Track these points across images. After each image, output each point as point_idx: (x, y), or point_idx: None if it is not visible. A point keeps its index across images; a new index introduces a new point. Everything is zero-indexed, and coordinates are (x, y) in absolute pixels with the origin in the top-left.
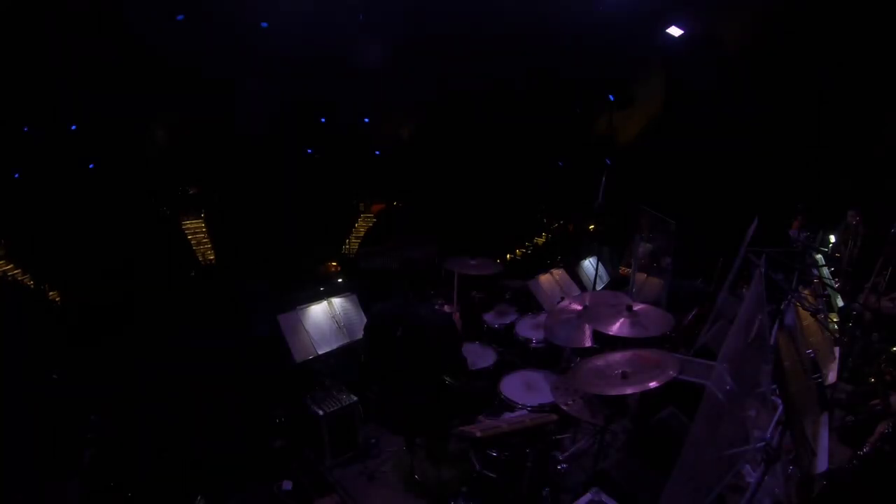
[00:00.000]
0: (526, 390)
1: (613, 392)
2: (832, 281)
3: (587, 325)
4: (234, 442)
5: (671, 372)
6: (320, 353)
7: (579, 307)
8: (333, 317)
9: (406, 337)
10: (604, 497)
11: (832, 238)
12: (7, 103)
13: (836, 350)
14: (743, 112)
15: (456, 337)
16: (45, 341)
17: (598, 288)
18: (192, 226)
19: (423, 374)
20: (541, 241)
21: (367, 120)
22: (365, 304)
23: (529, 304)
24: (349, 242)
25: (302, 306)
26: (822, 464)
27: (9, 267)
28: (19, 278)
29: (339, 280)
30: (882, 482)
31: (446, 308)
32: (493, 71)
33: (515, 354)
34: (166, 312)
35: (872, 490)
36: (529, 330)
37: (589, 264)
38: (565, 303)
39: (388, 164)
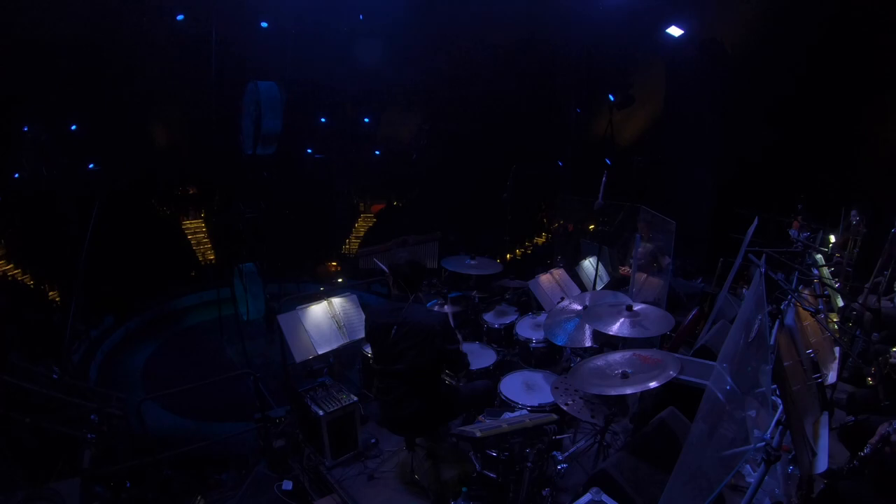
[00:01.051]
0: (526, 390)
1: (613, 392)
2: (832, 281)
3: (587, 325)
4: (234, 442)
5: (671, 372)
6: (320, 352)
7: (579, 307)
8: (333, 317)
9: (401, 338)
10: (604, 497)
11: (832, 238)
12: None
13: (836, 350)
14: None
15: (453, 337)
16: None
17: (598, 288)
18: (192, 226)
19: (421, 375)
20: (541, 241)
21: (367, 120)
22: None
23: (529, 304)
24: (349, 242)
25: (302, 306)
26: (822, 464)
27: (9, 267)
28: (19, 278)
29: (339, 280)
30: (882, 483)
31: (446, 308)
32: (494, 71)
33: (515, 354)
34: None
35: (872, 490)
36: (529, 330)
37: (589, 264)
38: (565, 303)
39: (388, 164)
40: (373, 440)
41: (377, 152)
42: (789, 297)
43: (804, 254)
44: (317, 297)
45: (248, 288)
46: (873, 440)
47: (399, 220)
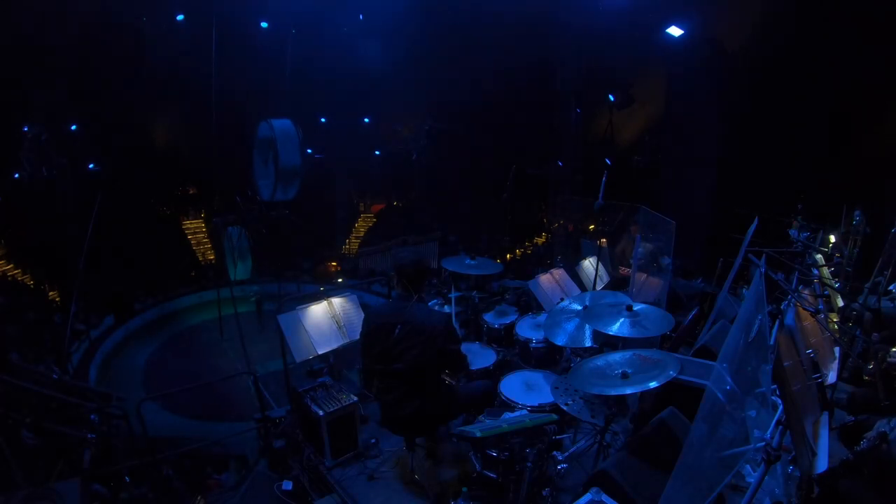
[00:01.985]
0: (526, 390)
1: (613, 392)
2: (832, 281)
3: (587, 325)
4: (234, 442)
5: (671, 372)
6: (320, 352)
7: (579, 307)
8: (333, 317)
9: (403, 337)
10: (604, 497)
11: (832, 238)
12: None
13: (836, 350)
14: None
15: (454, 337)
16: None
17: (598, 288)
18: (192, 226)
19: (421, 374)
20: (541, 241)
21: (367, 120)
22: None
23: (529, 304)
24: (349, 242)
25: (302, 306)
26: (822, 464)
27: (9, 267)
28: (19, 278)
29: (339, 280)
30: (881, 483)
31: (446, 308)
32: (494, 70)
33: (515, 354)
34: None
35: (871, 490)
36: (529, 330)
37: (589, 264)
38: (565, 303)
39: (388, 164)
40: (373, 440)
41: (377, 152)
42: (789, 297)
43: (804, 254)
44: (317, 297)
45: (236, 250)
46: (870, 434)
47: (399, 220)
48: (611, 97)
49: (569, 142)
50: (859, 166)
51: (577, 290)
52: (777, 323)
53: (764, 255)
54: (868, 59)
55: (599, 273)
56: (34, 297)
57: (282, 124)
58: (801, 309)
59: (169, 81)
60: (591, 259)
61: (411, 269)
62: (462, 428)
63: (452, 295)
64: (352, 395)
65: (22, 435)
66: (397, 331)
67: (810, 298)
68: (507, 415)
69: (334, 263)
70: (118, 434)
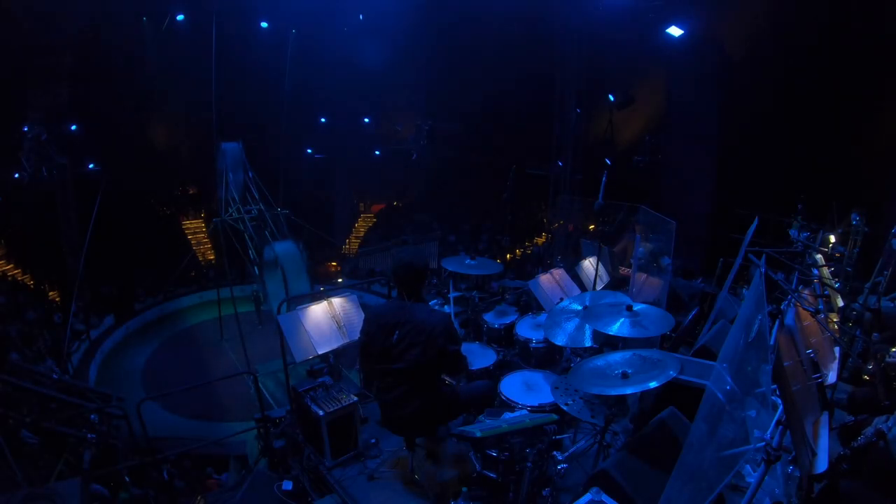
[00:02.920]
0: (526, 390)
1: (613, 392)
2: (832, 281)
3: (587, 325)
4: (234, 442)
5: (671, 372)
6: (320, 352)
7: (579, 307)
8: (333, 317)
9: (404, 337)
10: (604, 497)
11: (832, 238)
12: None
13: (836, 350)
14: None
15: (454, 337)
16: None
17: (598, 288)
18: (192, 226)
19: (422, 374)
20: (541, 241)
21: (367, 120)
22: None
23: (529, 304)
24: (349, 242)
25: (302, 306)
26: (822, 464)
27: (9, 267)
28: (19, 278)
29: (339, 280)
30: (881, 482)
31: (446, 308)
32: (494, 70)
33: (515, 354)
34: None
35: (871, 490)
36: (529, 330)
37: (589, 264)
38: (565, 303)
39: (388, 164)
40: (373, 440)
41: (377, 152)
42: (789, 297)
43: (804, 254)
44: (317, 297)
45: (227, 180)
46: (867, 430)
47: (399, 220)
48: (611, 97)
49: (569, 142)
50: (860, 166)
51: (577, 290)
52: (777, 323)
53: (764, 255)
54: (869, 58)
55: (599, 273)
56: (34, 297)
57: (285, 250)
58: (801, 309)
59: (169, 81)
60: (591, 259)
61: (406, 275)
62: (462, 428)
63: (452, 295)
64: (352, 395)
65: (22, 435)
66: (398, 332)
67: (810, 298)
68: (507, 415)
69: (334, 263)
70: (118, 434)
